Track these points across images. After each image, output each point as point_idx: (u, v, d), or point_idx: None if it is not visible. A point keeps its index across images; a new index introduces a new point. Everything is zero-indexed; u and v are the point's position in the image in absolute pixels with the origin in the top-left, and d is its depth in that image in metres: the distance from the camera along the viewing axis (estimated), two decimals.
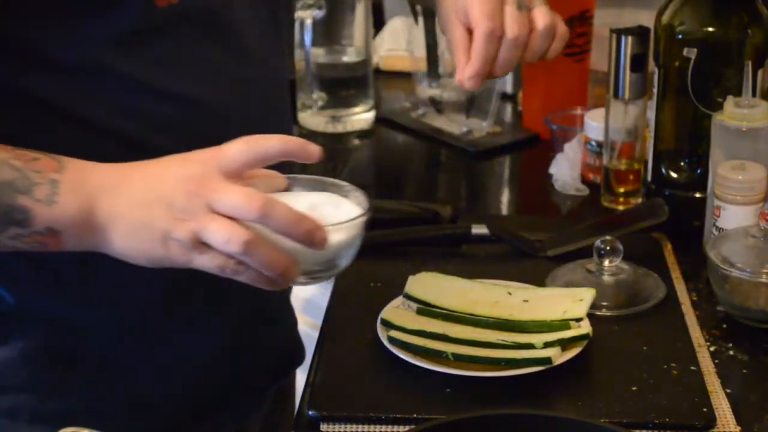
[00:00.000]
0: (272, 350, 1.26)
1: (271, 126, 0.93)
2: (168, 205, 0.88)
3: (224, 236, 0.86)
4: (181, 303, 1.12)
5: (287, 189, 0.97)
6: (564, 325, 1.11)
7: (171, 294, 1.10)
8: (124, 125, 1.01)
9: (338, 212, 0.94)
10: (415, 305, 1.17)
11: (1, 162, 0.90)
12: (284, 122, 1.18)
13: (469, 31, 1.14)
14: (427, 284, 1.20)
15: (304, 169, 0.98)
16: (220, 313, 1.15)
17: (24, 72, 0.99)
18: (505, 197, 1.66)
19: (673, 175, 1.40)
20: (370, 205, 0.95)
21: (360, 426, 1.03)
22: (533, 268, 1.29)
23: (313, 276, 0.95)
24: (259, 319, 1.21)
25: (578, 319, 1.12)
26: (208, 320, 1.14)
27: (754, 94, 1.30)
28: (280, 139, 0.91)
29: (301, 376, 1.17)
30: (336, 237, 0.92)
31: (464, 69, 1.13)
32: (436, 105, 1.84)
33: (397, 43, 2.05)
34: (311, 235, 0.88)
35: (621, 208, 1.47)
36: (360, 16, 1.80)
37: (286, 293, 1.33)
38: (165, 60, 1.03)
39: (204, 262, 0.89)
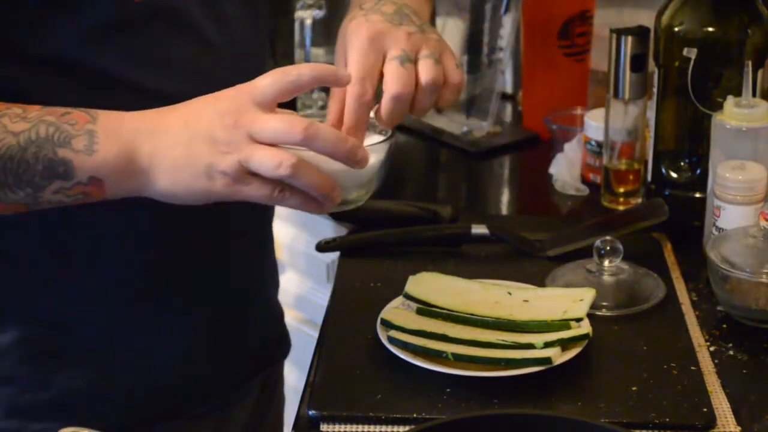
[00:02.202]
0: (255, 341, 1.26)
1: None
2: (209, 139, 0.91)
3: (273, 161, 0.89)
4: (160, 296, 1.12)
5: None
6: (564, 325, 1.11)
7: (150, 287, 1.11)
8: None
9: (367, 138, 0.99)
10: (415, 305, 1.17)
11: (34, 119, 0.92)
12: None
13: None
14: (427, 284, 1.20)
15: None
16: (200, 304, 1.15)
17: None
18: (505, 197, 1.66)
19: (673, 175, 1.40)
20: (394, 128, 1.00)
21: (360, 426, 1.03)
22: (533, 268, 1.29)
23: (351, 199, 0.98)
24: (241, 310, 1.21)
25: (578, 319, 1.12)
26: (188, 312, 1.15)
27: (754, 94, 1.30)
28: (312, 67, 0.93)
29: (300, 376, 1.17)
30: (372, 158, 0.95)
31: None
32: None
33: None
34: (354, 153, 0.91)
35: (621, 208, 1.47)
36: None
37: (274, 282, 1.33)
38: (138, 55, 1.03)
39: (251, 191, 0.91)
